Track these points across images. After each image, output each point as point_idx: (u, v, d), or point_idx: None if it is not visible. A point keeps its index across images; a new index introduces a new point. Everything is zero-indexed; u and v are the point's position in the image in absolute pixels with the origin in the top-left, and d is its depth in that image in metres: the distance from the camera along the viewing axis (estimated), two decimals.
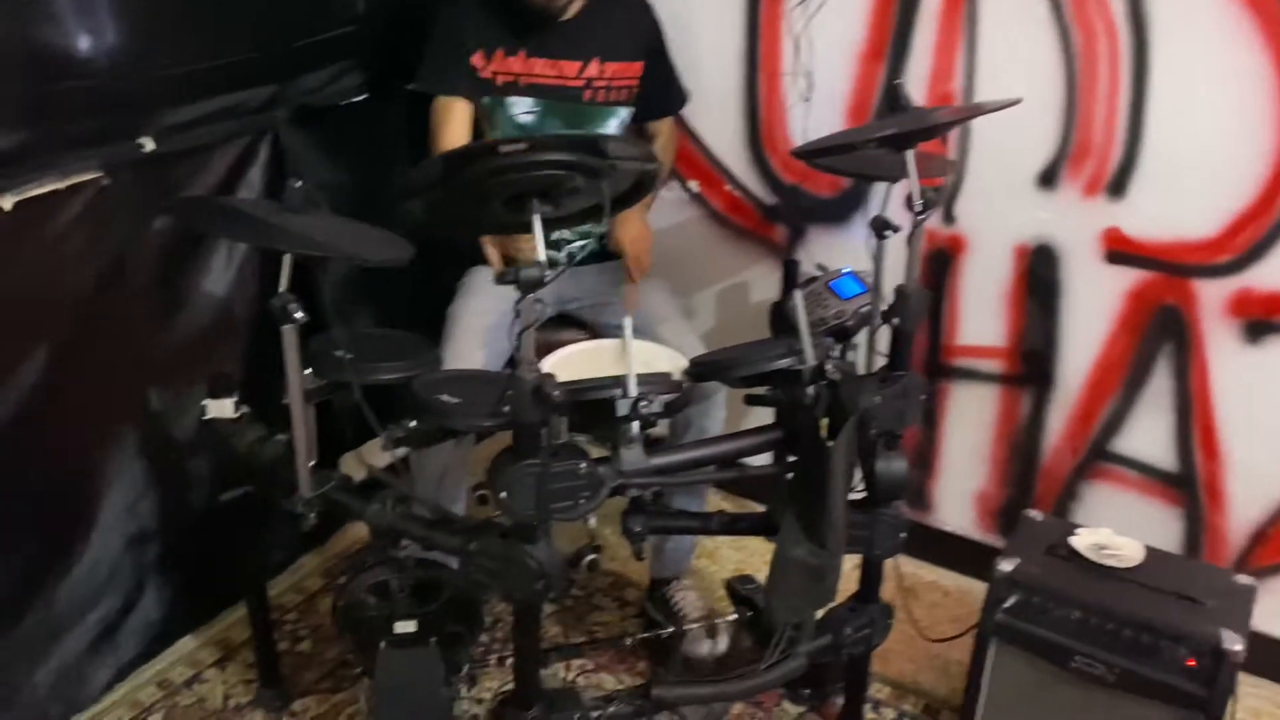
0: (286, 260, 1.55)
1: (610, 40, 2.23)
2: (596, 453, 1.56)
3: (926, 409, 2.48)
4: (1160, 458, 2.22)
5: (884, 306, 1.82)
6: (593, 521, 1.91)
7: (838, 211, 2.43)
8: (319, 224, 1.54)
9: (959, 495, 2.51)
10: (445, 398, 1.70)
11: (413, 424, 1.68)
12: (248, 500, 1.88)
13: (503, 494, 1.47)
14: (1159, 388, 2.17)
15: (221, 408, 1.84)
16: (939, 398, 2.45)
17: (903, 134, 1.55)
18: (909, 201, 1.65)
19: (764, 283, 2.58)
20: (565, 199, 1.39)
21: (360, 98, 2.40)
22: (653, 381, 1.58)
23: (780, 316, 2.22)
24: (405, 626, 1.78)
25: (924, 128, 1.57)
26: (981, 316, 2.33)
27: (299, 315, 1.55)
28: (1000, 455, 2.42)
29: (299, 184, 1.53)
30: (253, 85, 2.15)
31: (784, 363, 1.65)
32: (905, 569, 2.57)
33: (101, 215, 1.92)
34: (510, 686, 1.70)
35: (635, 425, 1.51)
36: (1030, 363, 2.31)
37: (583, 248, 2.34)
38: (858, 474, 1.80)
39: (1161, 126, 2.00)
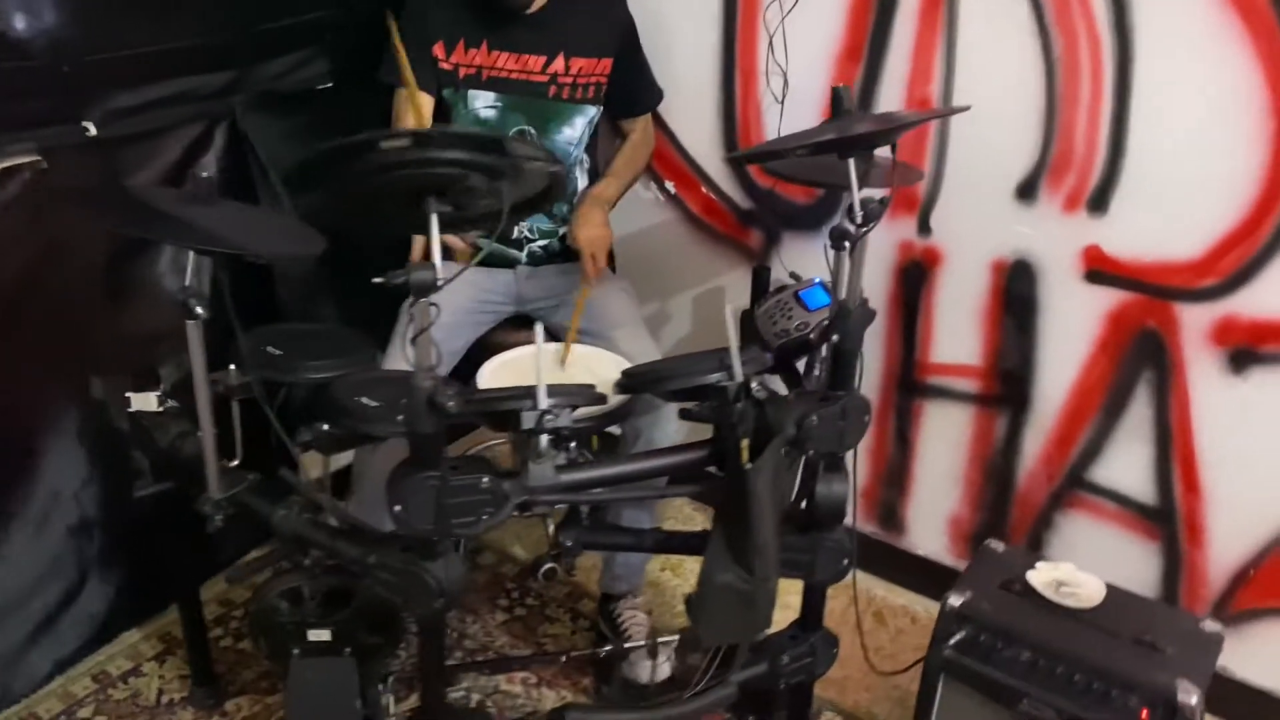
0: (191, 254, 1.50)
1: (578, 35, 2.15)
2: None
3: (900, 428, 2.38)
4: (1139, 490, 2.10)
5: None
6: (551, 528, 1.86)
7: (813, 218, 2.34)
8: (223, 217, 1.48)
9: (932, 518, 2.41)
10: (365, 401, 1.64)
11: (324, 427, 1.62)
12: (173, 497, 1.83)
13: (396, 508, 1.41)
14: (1138, 416, 2.06)
15: (146, 400, 1.80)
16: (913, 416, 2.35)
17: (839, 140, 1.45)
18: (849, 213, 1.56)
19: (738, 288, 2.48)
20: (466, 199, 1.32)
21: (328, 85, 2.34)
22: (570, 393, 1.50)
23: (749, 326, 2.14)
24: (319, 635, 1.73)
25: (858, 135, 1.47)
26: (957, 333, 2.22)
27: (200, 311, 1.50)
28: (974, 478, 2.31)
29: (205, 175, 1.47)
30: (206, 70, 2.10)
31: (714, 378, 1.56)
32: (876, 592, 2.49)
33: (39, 199, 1.88)
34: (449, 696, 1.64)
35: (544, 439, 1.43)
36: (1006, 383, 2.20)
37: (544, 247, 2.26)
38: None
39: (1145, 140, 1.88)
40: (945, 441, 2.32)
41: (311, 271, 2.36)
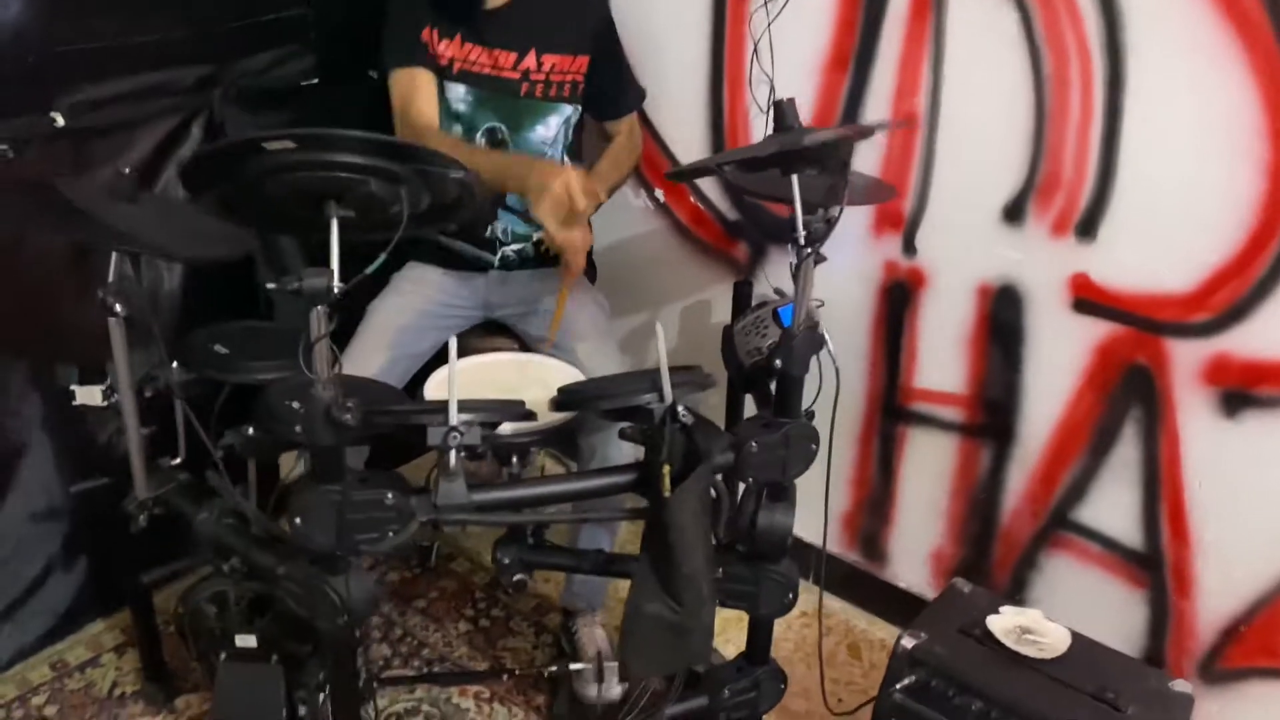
0: (114, 254, 1.48)
1: (551, 31, 2.09)
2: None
3: (883, 454, 2.28)
4: (1125, 533, 1.98)
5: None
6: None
7: None
8: (145, 215, 1.45)
9: (914, 550, 2.31)
10: (295, 405, 1.60)
11: (250, 431, 1.59)
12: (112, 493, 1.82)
13: (296, 520, 1.36)
14: (1125, 456, 1.94)
15: (90, 394, 1.78)
16: (896, 443, 2.25)
17: (769, 157, 1.37)
18: (792, 231, 1.48)
19: (724, 303, 2.40)
20: (369, 205, 1.27)
21: (312, 81, 2.32)
22: (487, 409, 1.44)
23: (728, 341, 2.07)
24: (245, 641, 1.70)
25: (791, 151, 1.39)
26: (941, 359, 2.12)
27: (120, 309, 1.47)
28: (957, 512, 2.21)
29: (126, 171, 1.44)
30: (181, 64, 2.09)
31: (645, 399, 1.49)
32: (856, 624, 2.40)
33: (2, 187, 1.88)
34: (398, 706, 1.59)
35: (452, 456, 1.38)
36: (991, 414, 2.09)
37: (518, 252, 2.21)
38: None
39: (1136, 164, 1.77)
40: (928, 471, 2.22)
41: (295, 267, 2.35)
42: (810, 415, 1.99)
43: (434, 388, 1.77)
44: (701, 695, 1.76)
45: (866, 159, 2.07)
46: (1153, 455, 1.90)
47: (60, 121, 1.93)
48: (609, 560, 1.80)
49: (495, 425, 1.48)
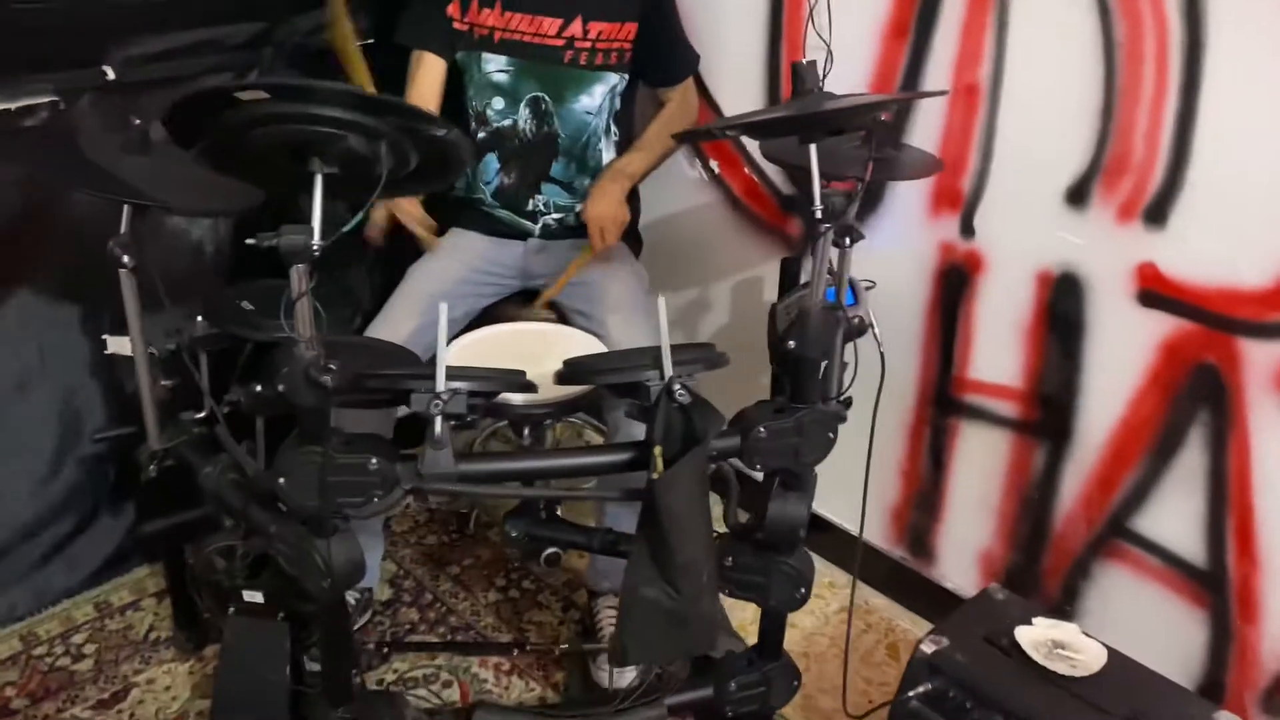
0: (126, 207, 1.48)
1: None
2: None
3: (934, 447, 2.16)
4: (1186, 547, 1.83)
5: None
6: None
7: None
8: (153, 167, 1.45)
9: (963, 550, 2.18)
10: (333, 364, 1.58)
11: (257, 388, 1.58)
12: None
13: (281, 480, 1.35)
14: (1190, 463, 1.78)
15: (120, 344, 1.81)
16: (948, 436, 2.13)
17: (787, 121, 1.28)
18: (809, 205, 1.38)
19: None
20: (354, 162, 1.23)
21: (367, 42, 2.30)
22: (479, 378, 1.40)
23: (771, 320, 1.98)
24: (253, 596, 1.71)
25: (806, 115, 1.29)
26: (997, 350, 1.99)
27: (128, 260, 1.48)
28: (1009, 512, 2.08)
29: (138, 122, 1.44)
30: (233, 20, 2.10)
31: (646, 375, 1.43)
32: (899, 623, 2.29)
33: (52, 137, 1.92)
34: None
35: (438, 424, 1.34)
36: (1047, 411, 1.95)
37: (559, 220, 2.16)
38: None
39: (1212, 145, 1.60)
40: (980, 468, 2.09)
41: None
42: (847, 402, 1.90)
43: (449, 357, 1.74)
44: (707, 686, 1.69)
45: (926, 132, 1.94)
46: (1220, 464, 1.74)
47: (111, 75, 1.96)
48: (617, 539, 1.74)
49: (491, 395, 1.43)
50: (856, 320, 1.96)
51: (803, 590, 1.62)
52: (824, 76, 2.04)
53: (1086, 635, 1.63)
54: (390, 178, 1.26)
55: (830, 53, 2.03)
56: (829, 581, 2.37)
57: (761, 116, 1.33)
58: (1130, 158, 1.69)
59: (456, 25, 2.04)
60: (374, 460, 1.36)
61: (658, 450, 1.36)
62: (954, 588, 2.22)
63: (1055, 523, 2.00)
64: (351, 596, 2.09)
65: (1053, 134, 1.77)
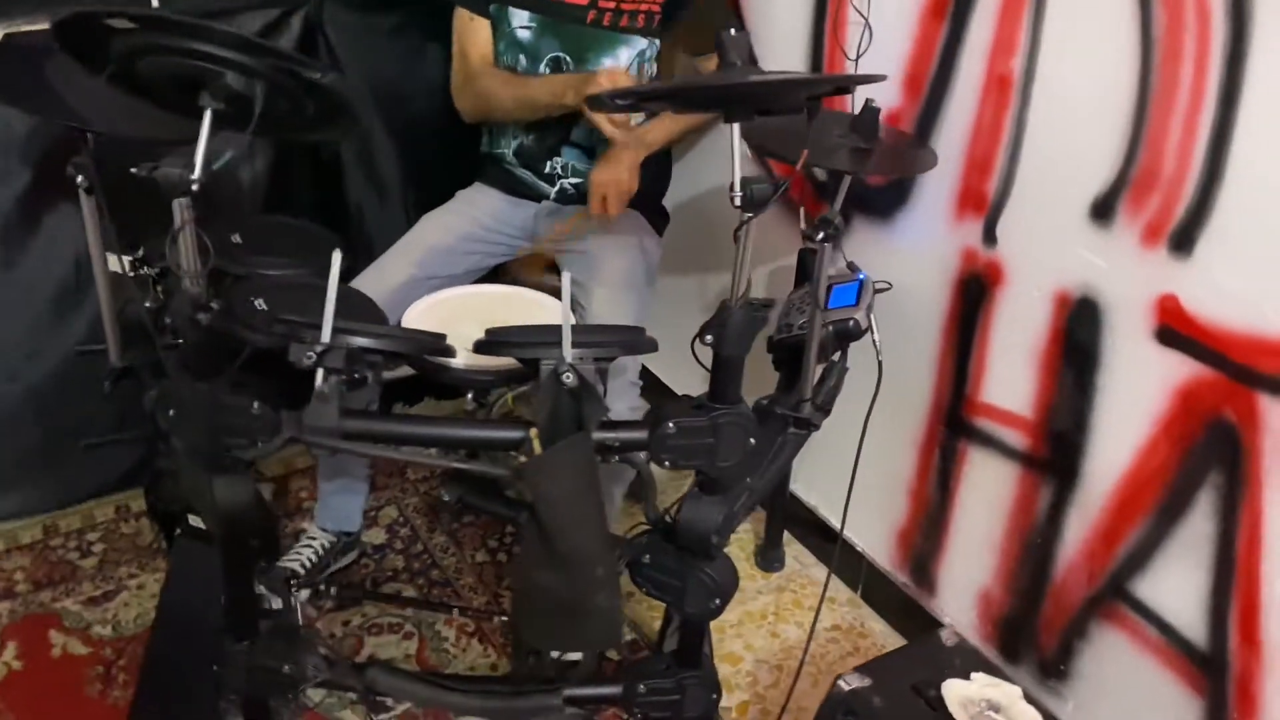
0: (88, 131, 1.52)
1: None
2: None
3: (943, 468, 1.99)
4: (1186, 624, 1.61)
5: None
6: None
7: (882, 204, 1.98)
8: (113, 94, 1.47)
9: (963, 585, 2.01)
10: (258, 303, 1.60)
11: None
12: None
13: (169, 411, 1.36)
14: (1197, 529, 1.56)
15: (119, 262, 1.87)
16: (957, 459, 1.95)
17: (699, 92, 1.16)
18: (730, 191, 1.27)
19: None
20: (242, 100, 1.21)
21: None
22: (371, 334, 1.35)
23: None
24: (197, 522, 1.74)
25: (712, 88, 1.17)
26: (1010, 373, 1.80)
27: (81, 181, 1.52)
28: (1011, 551, 1.89)
29: None
30: None
31: (542, 354, 1.35)
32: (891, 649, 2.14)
33: None
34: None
35: (319, 376, 1.31)
36: (1056, 447, 1.75)
37: (575, 185, 2.09)
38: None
39: (1247, 163, 1.38)
40: (986, 499, 1.91)
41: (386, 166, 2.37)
42: (824, 410, 1.77)
43: (413, 317, 1.71)
44: (616, 684, 1.61)
45: (956, 125, 1.77)
46: (1229, 535, 1.52)
47: (155, 3, 2.03)
48: None
49: (393, 355, 1.39)
50: (852, 322, 1.84)
51: (718, 601, 1.52)
52: (861, 53, 1.90)
53: (1028, 701, 1.46)
54: (286, 121, 1.24)
55: (869, 28, 1.87)
56: (829, 598, 2.23)
57: (666, 88, 1.22)
58: (1160, 172, 1.48)
59: None
60: (256, 405, 1.34)
61: (533, 432, 1.29)
62: (950, 624, 2.04)
63: (1056, 571, 1.81)
64: (327, 539, 2.12)
65: (1082, 137, 1.57)
